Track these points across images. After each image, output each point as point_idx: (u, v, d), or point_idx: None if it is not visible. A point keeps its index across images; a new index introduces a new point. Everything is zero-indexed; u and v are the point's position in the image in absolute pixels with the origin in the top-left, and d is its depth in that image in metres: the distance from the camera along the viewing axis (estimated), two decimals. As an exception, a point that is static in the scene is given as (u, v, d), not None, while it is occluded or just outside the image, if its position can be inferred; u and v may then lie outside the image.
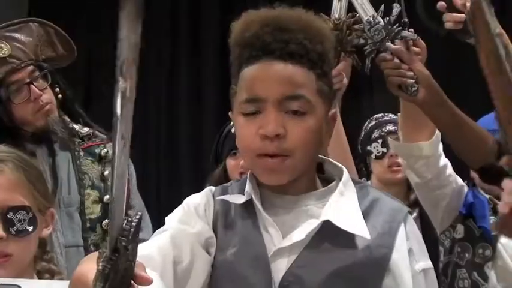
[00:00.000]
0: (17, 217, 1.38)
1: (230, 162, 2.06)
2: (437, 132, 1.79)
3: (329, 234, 1.15)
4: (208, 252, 1.17)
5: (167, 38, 4.14)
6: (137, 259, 0.97)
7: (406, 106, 1.76)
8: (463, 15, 1.63)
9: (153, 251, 1.09)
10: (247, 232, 1.18)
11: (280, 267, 1.14)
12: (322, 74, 1.18)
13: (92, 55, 3.94)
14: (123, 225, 0.82)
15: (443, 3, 1.67)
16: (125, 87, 0.74)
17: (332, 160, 1.28)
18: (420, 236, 1.25)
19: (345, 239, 1.14)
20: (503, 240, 1.92)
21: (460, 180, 1.96)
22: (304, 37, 1.16)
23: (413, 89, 1.60)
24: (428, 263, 1.22)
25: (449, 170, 1.89)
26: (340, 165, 1.27)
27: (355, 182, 1.25)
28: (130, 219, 0.83)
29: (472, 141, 1.68)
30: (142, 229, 1.94)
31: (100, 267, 0.81)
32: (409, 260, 1.17)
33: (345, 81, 1.78)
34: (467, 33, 1.63)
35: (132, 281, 0.86)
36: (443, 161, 1.86)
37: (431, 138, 1.79)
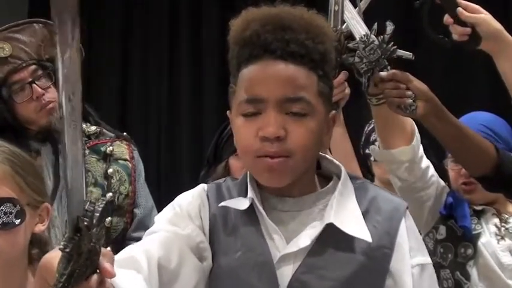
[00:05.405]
0: (2, 210, 1.33)
1: (234, 164, 1.97)
2: (417, 135, 1.78)
3: (332, 238, 1.13)
4: (201, 257, 1.14)
5: (167, 38, 4.15)
6: (123, 261, 0.97)
7: (378, 113, 1.74)
8: (469, 28, 1.66)
9: (138, 253, 1.05)
10: (251, 238, 1.15)
11: (286, 274, 1.12)
12: (324, 74, 1.16)
13: (92, 54, 3.95)
14: (86, 206, 0.82)
15: (449, 18, 1.68)
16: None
17: (329, 157, 1.26)
18: (417, 231, 1.25)
19: (347, 241, 1.14)
20: (483, 239, 1.94)
21: (441, 182, 1.97)
22: (306, 37, 1.13)
23: (412, 107, 1.59)
24: (426, 259, 1.20)
25: (432, 171, 1.90)
26: (337, 162, 1.25)
27: (352, 179, 1.23)
28: (93, 202, 0.82)
29: (474, 151, 1.67)
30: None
31: (61, 246, 0.80)
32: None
33: (347, 91, 1.77)
34: (473, 43, 1.68)
35: (98, 271, 0.84)
36: (425, 162, 1.86)
37: (410, 141, 1.77)
